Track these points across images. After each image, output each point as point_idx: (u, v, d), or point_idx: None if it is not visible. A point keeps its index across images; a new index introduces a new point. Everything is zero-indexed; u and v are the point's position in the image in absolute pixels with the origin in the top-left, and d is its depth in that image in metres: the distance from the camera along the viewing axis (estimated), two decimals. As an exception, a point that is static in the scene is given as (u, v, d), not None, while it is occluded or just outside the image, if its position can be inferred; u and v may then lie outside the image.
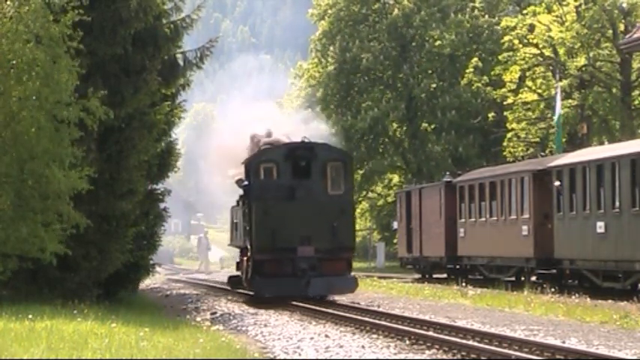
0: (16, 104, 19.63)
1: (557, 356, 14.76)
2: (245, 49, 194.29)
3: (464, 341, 16.37)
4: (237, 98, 55.58)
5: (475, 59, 52.08)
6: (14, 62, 19.62)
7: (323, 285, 26.18)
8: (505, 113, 47.68)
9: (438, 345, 16.16)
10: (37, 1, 19.45)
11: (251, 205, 27.13)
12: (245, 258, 28.16)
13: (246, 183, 27.83)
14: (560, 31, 43.96)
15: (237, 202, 30.40)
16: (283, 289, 26.20)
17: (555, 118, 40.45)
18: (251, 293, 28.67)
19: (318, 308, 24.02)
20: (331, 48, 56.87)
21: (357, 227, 44.39)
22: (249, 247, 27.21)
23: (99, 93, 20.01)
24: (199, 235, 75.76)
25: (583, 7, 43.82)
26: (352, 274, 27.37)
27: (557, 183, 29.55)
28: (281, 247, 26.24)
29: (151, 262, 31.05)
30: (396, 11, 55.84)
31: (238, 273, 30.80)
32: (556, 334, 18.48)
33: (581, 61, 43.16)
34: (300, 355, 15.84)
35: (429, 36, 55.17)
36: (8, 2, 19.85)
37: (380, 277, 41.63)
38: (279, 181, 27.04)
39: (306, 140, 28.05)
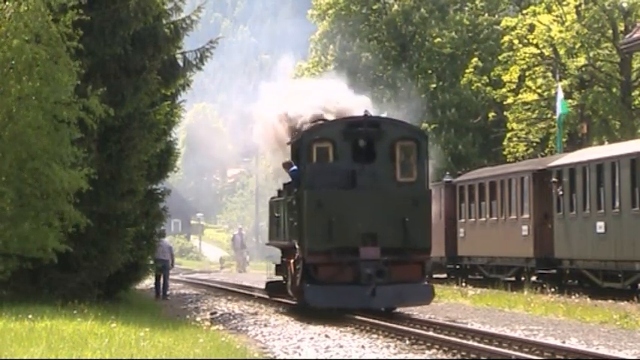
0: (15, 103, 19.63)
1: (557, 356, 14.77)
2: (245, 49, 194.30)
3: (464, 341, 16.37)
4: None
5: (475, 59, 52.08)
6: (14, 61, 19.61)
7: (392, 295, 21.62)
8: (505, 113, 47.68)
9: (438, 345, 16.17)
10: (37, 0, 19.44)
11: (301, 194, 22.14)
12: (292, 260, 23.16)
13: (294, 168, 22.97)
14: (560, 31, 43.95)
15: (280, 192, 25.61)
16: (342, 300, 21.47)
17: (557, 116, 40.45)
18: (293, 302, 24.55)
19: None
20: (331, 47, 56.88)
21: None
22: (297, 247, 22.25)
23: (98, 91, 20.01)
24: (234, 232, 68.38)
25: (583, 7, 43.82)
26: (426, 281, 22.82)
27: (560, 192, 29.51)
28: (339, 248, 21.61)
29: (151, 261, 31.07)
30: (395, 7, 55.83)
31: (279, 278, 26.10)
32: (556, 334, 18.50)
33: (581, 61, 43.14)
34: (300, 355, 15.85)
35: (428, 34, 55.16)
36: (7, 2, 19.84)
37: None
38: (336, 165, 22.24)
39: (369, 114, 23.10)
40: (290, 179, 23.38)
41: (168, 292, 32.78)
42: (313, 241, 21.70)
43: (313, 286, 21.62)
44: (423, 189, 22.50)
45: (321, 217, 21.62)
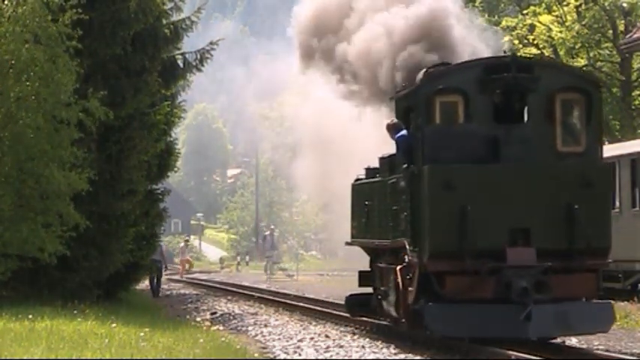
0: (14, 104, 19.64)
1: (557, 356, 14.75)
2: (245, 49, 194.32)
3: (464, 341, 16.36)
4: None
5: (475, 59, 52.09)
6: (13, 62, 19.63)
7: (554, 319, 14.86)
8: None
9: (438, 345, 16.15)
10: (35, 0, 19.45)
11: (419, 172, 15.31)
12: (398, 267, 16.08)
13: (402, 133, 16.18)
14: (561, 32, 43.95)
15: (370, 170, 18.64)
16: (482, 327, 14.75)
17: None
18: (384, 321, 18.46)
19: (318, 308, 24.00)
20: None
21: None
22: (408, 247, 15.56)
23: (98, 93, 20.03)
24: (265, 232, 63.75)
25: (583, 7, 43.83)
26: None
27: None
28: (477, 249, 14.78)
29: (155, 258, 31.21)
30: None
31: (367, 290, 18.92)
32: (556, 334, 18.44)
33: (582, 61, 43.14)
34: (300, 355, 15.85)
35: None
36: (6, 2, 19.85)
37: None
38: (470, 129, 15.45)
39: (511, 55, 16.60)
40: (398, 150, 16.35)
41: (159, 293, 33.01)
42: (438, 240, 14.94)
43: (437, 306, 14.89)
44: (596, 162, 15.67)
45: (450, 205, 14.86)
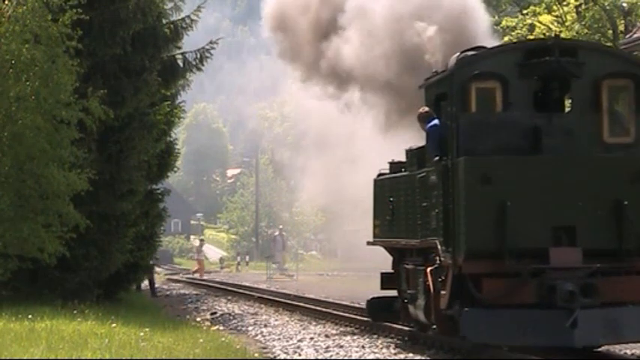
0: (14, 104, 19.64)
1: (558, 356, 14.73)
2: (245, 49, 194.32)
3: (464, 341, 16.35)
4: None
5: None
6: (13, 62, 19.63)
7: (603, 325, 13.58)
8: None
9: (438, 345, 16.15)
10: (35, 0, 19.45)
11: (454, 165, 14.12)
12: (428, 269, 15.05)
13: (434, 123, 15.01)
14: (561, 31, 43.94)
15: (394, 164, 17.56)
16: (524, 334, 13.54)
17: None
18: (407, 325, 17.72)
19: (318, 308, 23.99)
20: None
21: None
22: (440, 247, 14.36)
23: (98, 93, 20.02)
24: (275, 233, 62.89)
25: (583, 7, 43.84)
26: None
27: None
28: (517, 249, 13.61)
29: (152, 261, 31.18)
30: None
31: (392, 293, 17.94)
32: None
33: (582, 61, 43.17)
34: (300, 355, 15.86)
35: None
36: (6, 2, 19.85)
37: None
38: (509, 118, 14.20)
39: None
40: (428, 140, 15.14)
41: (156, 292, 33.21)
42: (474, 239, 13.71)
43: (474, 312, 13.67)
44: None
45: (488, 201, 13.70)
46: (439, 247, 14.33)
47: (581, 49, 14.61)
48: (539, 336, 13.40)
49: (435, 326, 15.42)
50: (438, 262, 14.55)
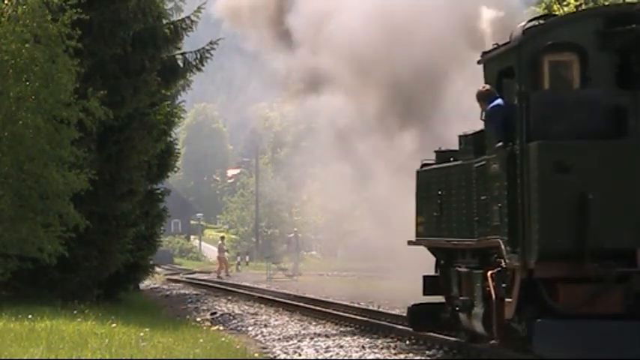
0: (14, 104, 19.64)
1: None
2: (245, 49, 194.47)
3: (464, 341, 16.36)
4: None
5: (475, 59, 52.10)
6: (13, 62, 19.63)
7: None
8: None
9: (438, 345, 16.14)
10: (35, 0, 19.45)
11: (522, 151, 12.05)
12: (489, 273, 12.84)
13: (497, 102, 12.92)
14: (560, 31, 44.02)
15: (440, 154, 15.55)
16: (607, 349, 11.51)
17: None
18: (451, 335, 15.74)
19: (318, 308, 24.00)
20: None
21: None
22: (504, 248, 12.32)
23: (98, 93, 20.03)
24: (289, 235, 61.70)
25: (583, 7, 43.84)
26: None
27: None
28: (598, 250, 11.59)
29: (151, 261, 31.17)
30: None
31: (439, 299, 15.77)
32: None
33: (581, 61, 43.21)
34: (300, 355, 15.86)
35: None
36: (6, 2, 19.85)
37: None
38: (588, 96, 12.11)
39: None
40: (487, 123, 13.23)
41: None
42: (549, 238, 11.62)
43: (550, 323, 11.57)
44: None
45: (566, 192, 11.62)
46: (503, 247, 12.33)
47: None
48: (625, 351, 11.44)
49: (493, 340, 13.08)
50: (501, 264, 12.54)
